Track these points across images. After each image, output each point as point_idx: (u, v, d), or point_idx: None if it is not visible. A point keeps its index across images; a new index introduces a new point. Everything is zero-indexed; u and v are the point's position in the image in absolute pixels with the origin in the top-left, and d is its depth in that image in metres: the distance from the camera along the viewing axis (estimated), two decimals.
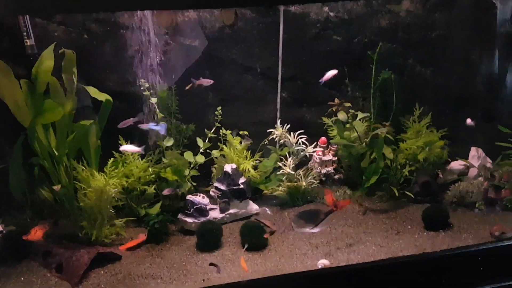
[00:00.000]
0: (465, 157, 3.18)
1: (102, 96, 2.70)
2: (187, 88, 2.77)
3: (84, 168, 2.60)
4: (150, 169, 2.75)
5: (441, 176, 3.11)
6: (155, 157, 2.85)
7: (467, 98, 3.32)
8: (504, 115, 3.29)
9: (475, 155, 3.14)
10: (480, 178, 3.02)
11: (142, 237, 2.63)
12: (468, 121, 2.96)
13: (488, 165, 3.09)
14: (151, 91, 2.87)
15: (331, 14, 3.04)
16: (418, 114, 3.10)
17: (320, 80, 2.82)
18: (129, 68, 2.90)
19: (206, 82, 2.80)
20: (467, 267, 2.51)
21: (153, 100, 2.87)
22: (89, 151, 2.72)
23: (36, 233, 2.48)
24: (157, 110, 2.87)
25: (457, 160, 3.14)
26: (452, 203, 2.93)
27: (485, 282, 2.50)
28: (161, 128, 2.60)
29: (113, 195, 2.57)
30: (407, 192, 2.95)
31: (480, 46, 3.13)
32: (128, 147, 2.66)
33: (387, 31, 3.10)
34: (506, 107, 3.29)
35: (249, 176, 2.96)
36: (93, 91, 2.70)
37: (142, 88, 2.86)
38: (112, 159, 2.73)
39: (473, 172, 3.10)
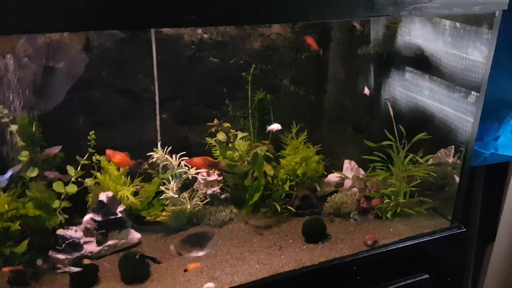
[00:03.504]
0: (341, 169, 3.37)
1: None
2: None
3: None
4: (6, 205, 2.48)
5: (319, 188, 3.26)
6: (18, 190, 2.59)
7: (340, 114, 3.55)
8: (372, 128, 3.56)
9: (349, 167, 3.35)
10: (354, 189, 3.22)
11: None
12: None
13: (361, 176, 3.30)
14: (10, 117, 2.61)
15: (205, 36, 3.05)
16: (296, 131, 3.22)
17: None
18: None
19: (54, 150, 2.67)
20: (344, 277, 2.64)
21: (13, 127, 2.61)
22: None
23: None
24: (18, 138, 2.62)
25: (333, 172, 3.32)
26: (330, 214, 3.08)
27: None
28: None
29: None
30: (289, 207, 3.04)
31: (347, 65, 3.37)
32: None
33: (261, 53, 3.20)
34: (374, 121, 3.57)
35: (129, 204, 2.82)
36: None
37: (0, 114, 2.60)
38: None
39: (347, 183, 3.29)
